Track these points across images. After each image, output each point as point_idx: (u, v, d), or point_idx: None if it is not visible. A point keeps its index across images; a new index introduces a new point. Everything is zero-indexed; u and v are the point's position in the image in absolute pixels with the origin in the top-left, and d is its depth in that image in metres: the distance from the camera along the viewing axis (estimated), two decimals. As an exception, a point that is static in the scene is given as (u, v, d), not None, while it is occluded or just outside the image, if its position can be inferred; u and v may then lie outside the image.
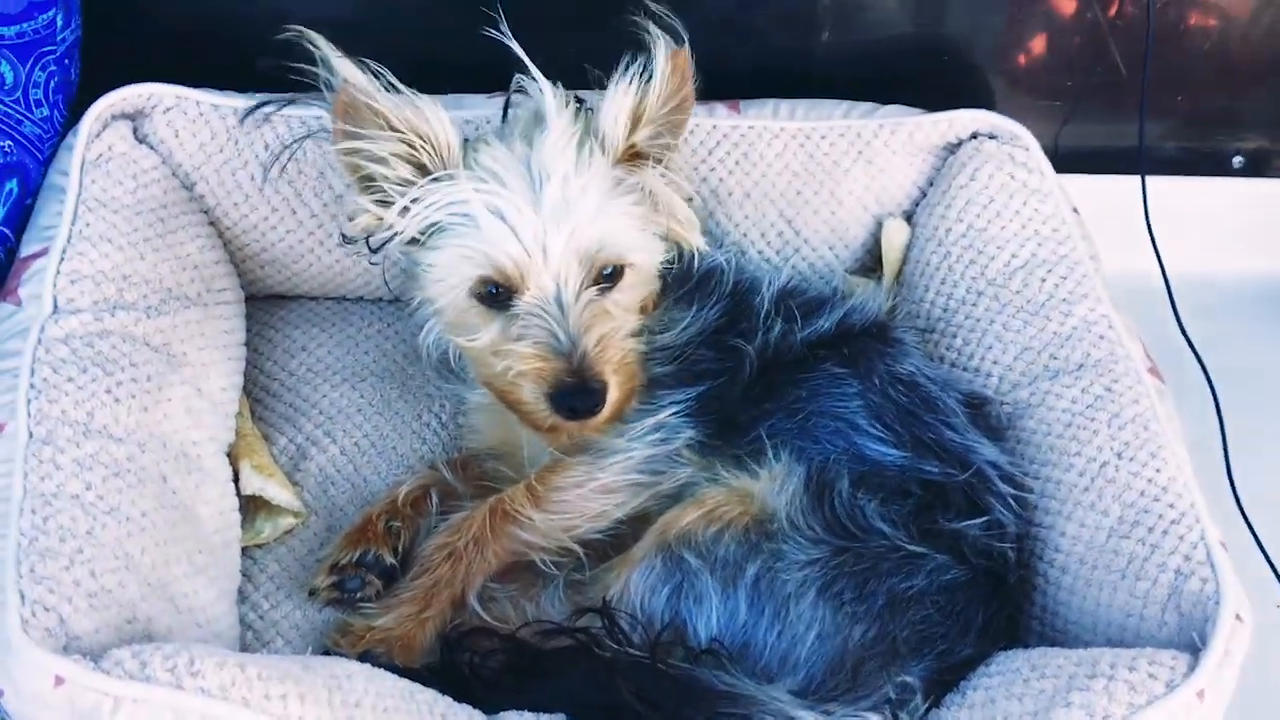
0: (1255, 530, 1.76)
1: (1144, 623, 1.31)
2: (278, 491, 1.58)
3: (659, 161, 1.48)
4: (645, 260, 1.48)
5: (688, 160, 1.75)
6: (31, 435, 1.33)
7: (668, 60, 1.41)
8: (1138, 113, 2.02)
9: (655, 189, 1.47)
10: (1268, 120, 2.16)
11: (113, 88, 1.68)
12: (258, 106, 1.60)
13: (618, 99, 1.42)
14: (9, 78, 1.66)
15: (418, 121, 1.40)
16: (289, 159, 1.66)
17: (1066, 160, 1.94)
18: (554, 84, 1.43)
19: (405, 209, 1.41)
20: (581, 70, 1.48)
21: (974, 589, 1.39)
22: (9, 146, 1.64)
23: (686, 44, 1.42)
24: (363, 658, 1.36)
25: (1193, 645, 1.24)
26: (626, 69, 1.42)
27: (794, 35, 2.04)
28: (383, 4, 1.95)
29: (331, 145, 1.44)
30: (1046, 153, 1.78)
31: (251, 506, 1.58)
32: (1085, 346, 1.56)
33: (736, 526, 1.38)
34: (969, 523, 1.41)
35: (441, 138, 1.40)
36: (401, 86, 1.40)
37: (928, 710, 1.33)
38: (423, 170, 1.41)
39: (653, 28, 1.39)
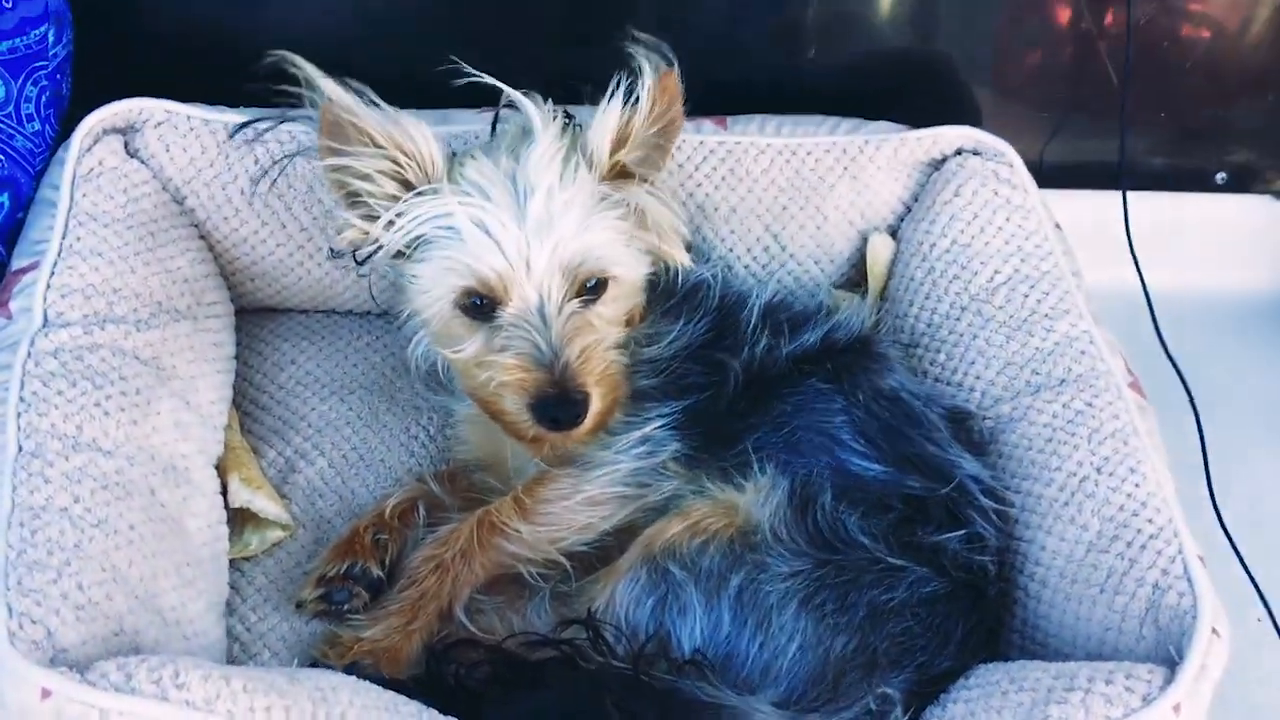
0: (1236, 544, 1.77)
1: (1122, 636, 1.32)
2: (266, 504, 1.59)
3: (645, 180, 1.49)
4: (629, 274, 1.49)
5: (675, 175, 1.77)
6: (21, 448, 1.34)
7: (656, 82, 1.43)
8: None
9: (642, 205, 1.48)
10: (1250, 137, 2.17)
11: (104, 102, 1.69)
12: (247, 124, 1.62)
13: (606, 119, 1.44)
14: (0, 93, 1.68)
15: (401, 138, 1.41)
16: (278, 174, 1.67)
17: (1051, 175, 1.95)
18: (542, 99, 1.45)
19: (391, 223, 1.43)
20: (574, 85, 1.50)
21: (954, 602, 1.40)
22: (0, 161, 1.65)
23: (676, 66, 1.44)
24: (349, 669, 1.36)
25: (1170, 659, 1.25)
26: (617, 89, 1.43)
27: (781, 51, 2.06)
28: (371, 19, 1.96)
29: (318, 161, 1.46)
30: (1031, 167, 1.79)
31: (240, 519, 1.59)
32: (1067, 362, 1.57)
33: (721, 539, 1.39)
34: (949, 535, 1.42)
35: (425, 153, 1.42)
36: (383, 104, 1.42)
37: (908, 721, 1.34)
38: (407, 185, 1.43)
39: (642, 49, 1.41)
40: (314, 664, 1.44)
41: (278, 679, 1.19)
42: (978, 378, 1.63)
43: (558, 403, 1.40)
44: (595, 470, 1.50)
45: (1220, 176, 2.18)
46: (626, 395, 1.49)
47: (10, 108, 1.69)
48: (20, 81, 1.70)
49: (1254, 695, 1.55)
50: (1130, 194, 2.01)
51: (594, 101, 1.46)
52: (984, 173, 1.76)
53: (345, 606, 1.50)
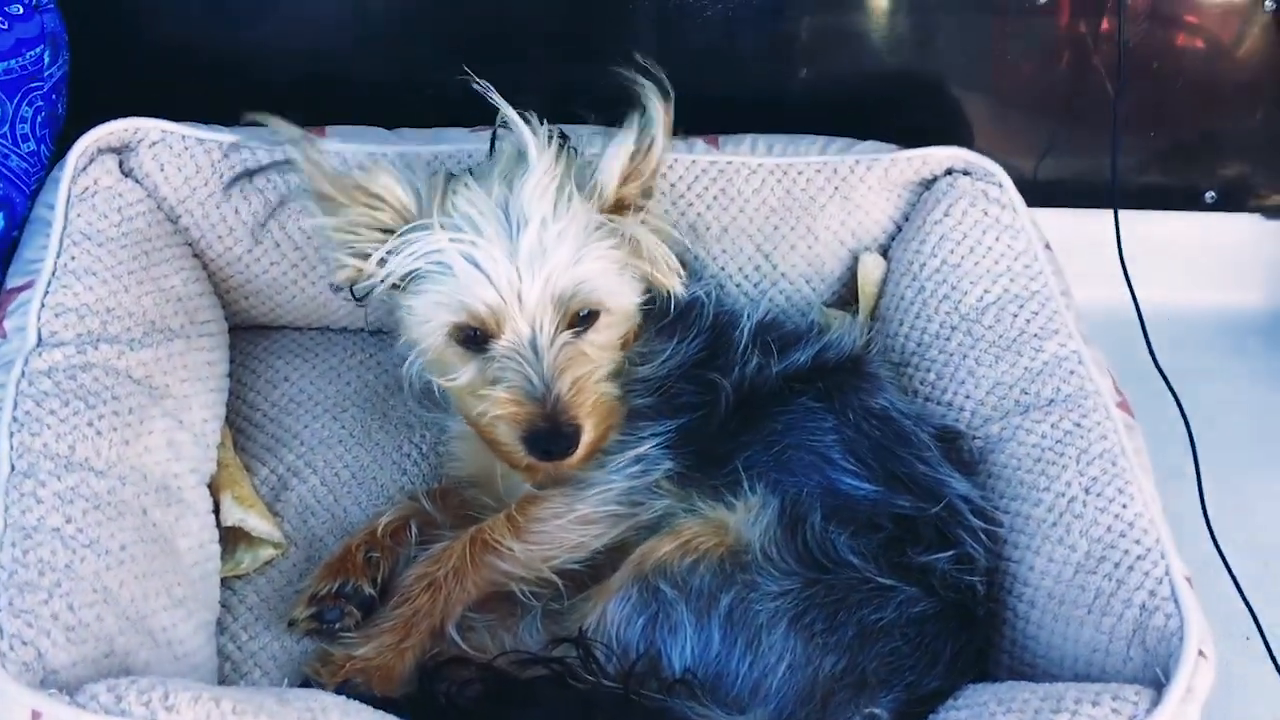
0: (1229, 562, 1.77)
1: (1109, 658, 1.32)
2: (258, 523, 1.59)
3: (640, 208, 1.50)
4: (622, 303, 1.49)
5: (667, 195, 1.78)
6: (13, 468, 1.34)
7: (666, 123, 1.44)
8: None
9: (637, 235, 1.49)
10: (1240, 155, 2.18)
11: (99, 122, 1.70)
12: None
13: (618, 156, 1.45)
14: (-4, 113, 1.69)
15: (365, 198, 1.44)
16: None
17: (1043, 193, 1.96)
18: (538, 121, 1.45)
19: (383, 260, 1.44)
20: (570, 100, 1.51)
21: (943, 621, 1.40)
22: (-5, 181, 1.66)
23: (671, 98, 1.44)
24: (341, 688, 1.37)
25: (1157, 680, 1.25)
26: (628, 124, 1.44)
27: (773, 71, 2.07)
28: (366, 37, 1.97)
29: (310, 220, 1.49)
30: (1024, 186, 1.80)
31: (232, 537, 1.59)
32: (1055, 382, 1.58)
33: (711, 557, 1.40)
34: (938, 555, 1.43)
35: (395, 202, 1.44)
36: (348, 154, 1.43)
37: (896, 743, 1.34)
38: (389, 232, 1.45)
39: (643, 81, 1.41)
40: (305, 683, 1.44)
41: (267, 700, 1.19)
42: (967, 397, 1.63)
43: (549, 436, 1.41)
44: (588, 489, 1.51)
45: (1210, 195, 2.18)
46: (621, 418, 1.50)
47: (6, 128, 1.69)
48: (16, 102, 1.71)
49: (1243, 713, 1.54)
50: (1121, 212, 2.02)
51: (591, 122, 1.46)
52: (974, 193, 1.77)
53: (337, 625, 1.50)
